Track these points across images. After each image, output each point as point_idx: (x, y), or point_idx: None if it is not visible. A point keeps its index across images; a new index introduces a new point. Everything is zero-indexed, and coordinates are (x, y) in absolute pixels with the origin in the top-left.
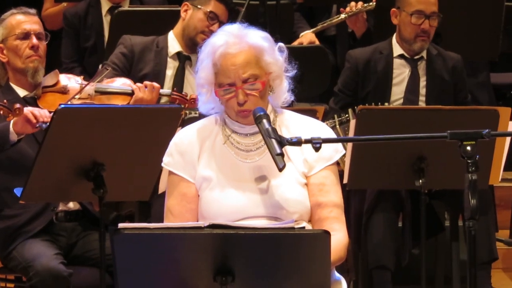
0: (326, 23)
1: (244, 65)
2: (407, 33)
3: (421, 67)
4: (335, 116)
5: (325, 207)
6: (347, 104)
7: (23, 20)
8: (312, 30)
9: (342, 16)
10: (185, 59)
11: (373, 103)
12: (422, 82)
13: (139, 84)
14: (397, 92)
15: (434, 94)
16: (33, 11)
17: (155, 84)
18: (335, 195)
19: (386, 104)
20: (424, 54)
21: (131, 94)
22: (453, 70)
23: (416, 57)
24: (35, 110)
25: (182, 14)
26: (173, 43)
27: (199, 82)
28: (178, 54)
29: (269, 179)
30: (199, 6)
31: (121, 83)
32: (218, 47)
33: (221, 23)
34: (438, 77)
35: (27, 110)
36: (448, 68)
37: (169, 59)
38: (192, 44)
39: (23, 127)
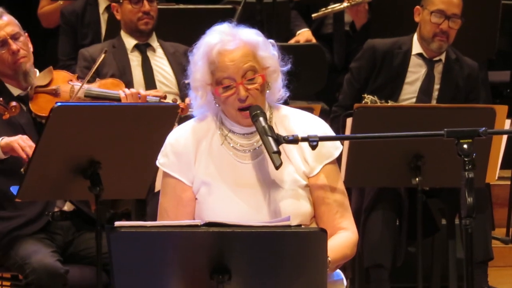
0: (328, 10)
1: (242, 59)
2: (426, 31)
3: (438, 70)
4: None
5: (330, 208)
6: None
7: None
8: (313, 15)
9: (344, 4)
10: (145, 48)
11: (376, 98)
12: (436, 85)
13: (127, 91)
14: (409, 91)
15: (447, 99)
16: None
17: (142, 92)
18: (338, 194)
19: (390, 102)
20: (442, 57)
21: (119, 100)
22: (468, 78)
23: (435, 58)
24: (21, 141)
25: (117, 16)
26: (128, 40)
27: (194, 86)
28: (137, 46)
29: (269, 182)
30: (121, 1)
31: (111, 84)
32: (213, 45)
33: None
34: (453, 83)
35: (16, 141)
36: (464, 75)
37: (130, 55)
38: (140, 34)
39: (11, 151)
